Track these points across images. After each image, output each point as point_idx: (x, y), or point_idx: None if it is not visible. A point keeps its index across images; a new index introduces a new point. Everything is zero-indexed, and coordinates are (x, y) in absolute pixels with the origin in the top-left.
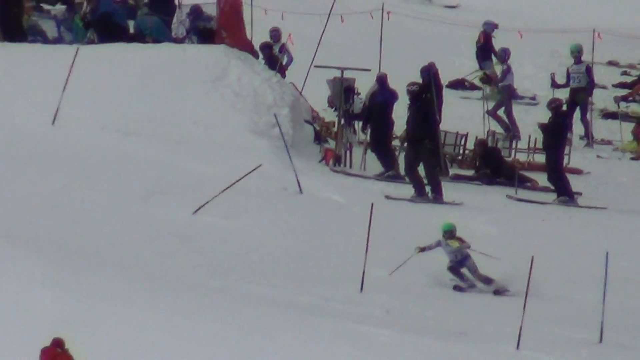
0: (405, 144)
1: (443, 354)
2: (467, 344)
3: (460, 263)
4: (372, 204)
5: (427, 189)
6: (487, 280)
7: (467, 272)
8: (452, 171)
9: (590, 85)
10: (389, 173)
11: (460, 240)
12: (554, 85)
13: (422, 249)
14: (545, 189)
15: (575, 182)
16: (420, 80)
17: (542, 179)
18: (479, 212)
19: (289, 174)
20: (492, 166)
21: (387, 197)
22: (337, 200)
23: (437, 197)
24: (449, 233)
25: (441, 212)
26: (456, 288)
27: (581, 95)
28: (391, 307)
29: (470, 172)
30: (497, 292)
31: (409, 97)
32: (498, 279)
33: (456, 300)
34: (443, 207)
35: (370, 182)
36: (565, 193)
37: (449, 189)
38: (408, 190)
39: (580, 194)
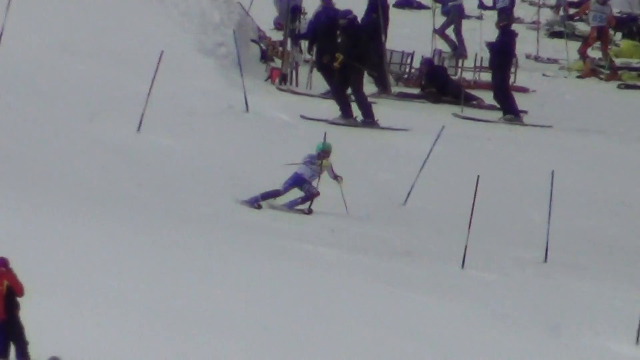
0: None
1: (388, 273)
2: (412, 263)
3: (306, 183)
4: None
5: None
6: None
7: (302, 190)
8: (398, 89)
9: (510, 4)
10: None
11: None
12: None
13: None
14: (491, 107)
15: (521, 101)
16: None
17: (488, 97)
18: (424, 131)
19: (235, 93)
20: (438, 85)
21: (302, 117)
22: (283, 118)
23: (368, 121)
24: (326, 154)
25: (387, 134)
26: (254, 203)
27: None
28: (336, 226)
29: (416, 91)
30: (306, 211)
31: (339, 29)
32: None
33: (401, 220)
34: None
35: (317, 101)
36: (511, 111)
37: (395, 107)
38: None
39: (525, 112)
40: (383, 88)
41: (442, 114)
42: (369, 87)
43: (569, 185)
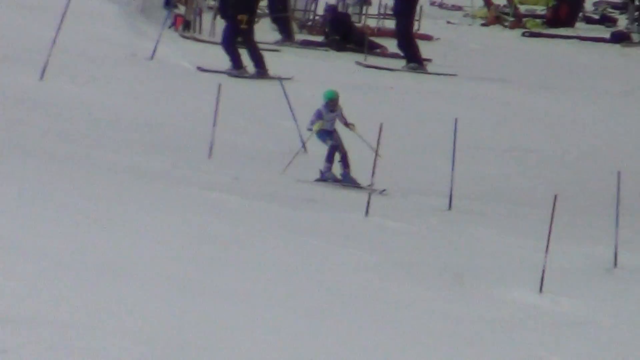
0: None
1: (292, 221)
2: (316, 211)
3: (331, 134)
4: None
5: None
6: (346, 163)
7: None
8: (302, 37)
9: None
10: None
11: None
12: None
13: (312, 125)
14: (394, 56)
15: (425, 49)
16: None
17: (391, 45)
18: (327, 80)
19: (139, 40)
20: (341, 32)
21: (199, 68)
22: (186, 66)
23: (261, 72)
24: (333, 102)
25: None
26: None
27: None
28: (239, 173)
29: (319, 38)
30: (344, 179)
31: None
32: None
33: (304, 168)
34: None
35: (220, 48)
36: (414, 59)
37: (299, 55)
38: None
39: (429, 60)
40: (286, 36)
41: (346, 62)
42: (272, 34)
43: (473, 134)
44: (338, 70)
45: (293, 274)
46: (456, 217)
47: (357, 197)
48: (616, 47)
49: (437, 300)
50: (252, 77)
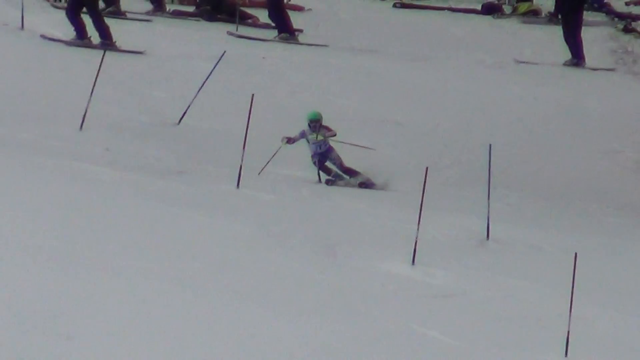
0: None
1: (163, 192)
2: (188, 183)
3: (323, 155)
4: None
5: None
6: (352, 172)
7: (332, 164)
8: (173, 7)
9: None
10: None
11: (326, 128)
12: None
13: (290, 140)
14: (266, 26)
15: (296, 19)
16: None
17: (263, 15)
18: (198, 50)
19: (9, 9)
20: (213, 2)
21: (42, 36)
22: (56, 36)
23: (106, 43)
24: (315, 123)
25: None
26: (328, 182)
27: None
28: (110, 145)
29: (191, 9)
30: (363, 184)
31: None
32: (363, 171)
33: (175, 140)
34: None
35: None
36: (286, 30)
37: (170, 26)
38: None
39: (301, 31)
40: (157, 6)
41: (217, 32)
42: (143, 4)
43: (344, 105)
44: (209, 40)
45: (164, 244)
46: (328, 188)
47: (228, 170)
48: (487, 19)
49: (309, 272)
50: (97, 47)
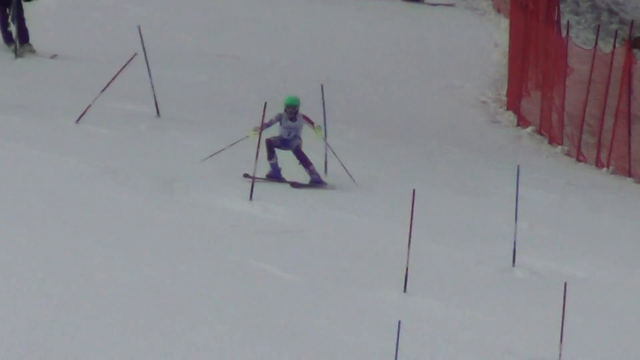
0: None
1: (2, 127)
2: (26, 117)
3: (285, 142)
4: None
5: None
6: (307, 164)
7: (292, 154)
8: None
9: None
10: None
11: (305, 118)
12: None
13: (262, 127)
14: None
15: None
16: None
17: None
18: None
19: None
20: None
21: None
22: None
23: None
24: (292, 109)
25: None
26: (295, 185)
27: None
28: None
29: None
30: (314, 182)
31: None
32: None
33: (14, 74)
34: None
35: None
36: None
37: None
38: None
39: None
40: None
41: None
42: None
43: (183, 39)
44: None
45: (2, 180)
46: (165, 124)
47: (68, 104)
48: None
49: (148, 207)
50: None
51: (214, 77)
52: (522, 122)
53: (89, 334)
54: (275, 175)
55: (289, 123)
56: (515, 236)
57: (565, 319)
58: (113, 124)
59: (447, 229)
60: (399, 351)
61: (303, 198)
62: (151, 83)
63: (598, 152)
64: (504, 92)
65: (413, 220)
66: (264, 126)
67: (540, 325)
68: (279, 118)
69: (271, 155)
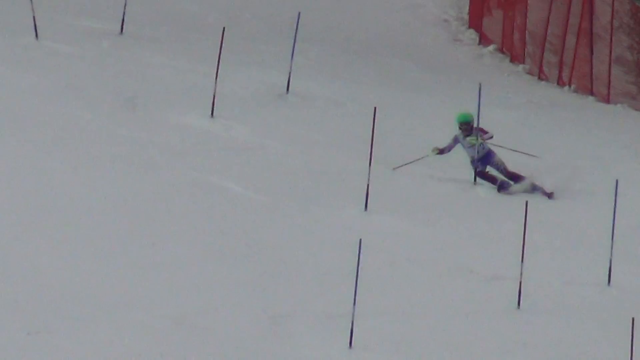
0: None
1: None
2: None
3: (484, 160)
4: None
5: None
6: (517, 177)
7: (494, 170)
8: None
9: None
10: None
11: (481, 131)
12: None
13: (441, 151)
14: None
15: None
16: None
17: None
18: None
19: None
20: None
21: None
22: None
23: None
24: (466, 125)
25: None
26: (500, 190)
27: None
28: None
29: None
30: (533, 189)
31: None
32: (530, 175)
33: None
34: None
35: None
36: None
37: None
38: None
39: None
40: None
41: None
42: None
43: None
44: None
45: None
46: (127, 41)
47: (24, 20)
48: None
49: (109, 125)
50: None
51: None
52: (483, 40)
53: (49, 254)
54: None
55: (468, 141)
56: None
57: (526, 237)
58: (76, 41)
59: (410, 147)
60: (360, 268)
61: (264, 116)
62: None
63: (560, 71)
64: (466, 10)
65: (374, 139)
66: (443, 152)
67: (502, 244)
68: (456, 140)
69: (493, 181)
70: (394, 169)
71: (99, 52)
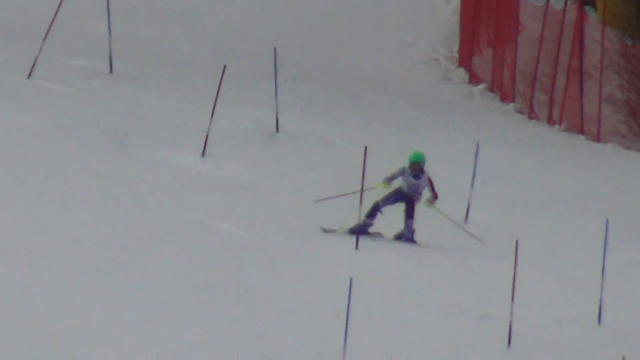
0: None
1: None
2: None
3: (402, 196)
4: None
5: None
6: (410, 216)
7: (404, 211)
8: None
9: None
10: None
11: (430, 183)
12: None
13: (389, 179)
14: None
15: None
16: None
17: None
18: None
19: None
20: None
21: None
22: None
23: None
24: (417, 165)
25: None
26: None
27: None
28: None
29: None
30: (402, 238)
31: None
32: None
33: None
34: None
35: None
36: None
37: None
38: None
39: None
40: None
41: None
42: None
43: None
44: None
45: None
46: (118, 80)
47: (19, 59)
48: None
49: (99, 163)
50: None
51: (166, 33)
52: (474, 79)
53: (36, 292)
54: (359, 231)
55: (412, 180)
56: (470, 195)
57: (516, 276)
58: (66, 79)
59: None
60: (350, 307)
61: (255, 155)
62: (109, 39)
63: (550, 110)
64: (456, 49)
65: (365, 177)
66: (391, 179)
67: (492, 282)
68: (402, 173)
69: (372, 215)
70: (316, 201)
71: (89, 90)
